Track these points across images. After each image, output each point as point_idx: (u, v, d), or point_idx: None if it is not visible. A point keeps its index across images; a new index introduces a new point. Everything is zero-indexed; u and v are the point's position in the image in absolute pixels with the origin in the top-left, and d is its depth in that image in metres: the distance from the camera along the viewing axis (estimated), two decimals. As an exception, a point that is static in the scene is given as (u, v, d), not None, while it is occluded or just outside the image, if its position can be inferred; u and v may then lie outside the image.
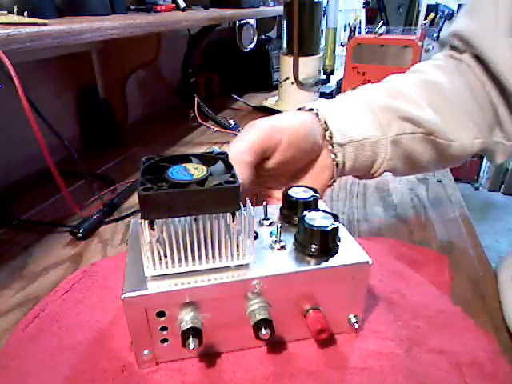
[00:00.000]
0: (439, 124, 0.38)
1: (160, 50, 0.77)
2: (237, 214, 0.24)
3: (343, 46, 1.13)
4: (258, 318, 0.26)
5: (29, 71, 0.62)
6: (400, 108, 0.37)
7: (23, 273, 0.41)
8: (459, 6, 2.49)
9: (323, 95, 1.05)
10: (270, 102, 1.02)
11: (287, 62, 0.92)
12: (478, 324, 0.32)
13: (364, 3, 1.92)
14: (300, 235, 0.28)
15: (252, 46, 1.13)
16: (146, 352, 0.27)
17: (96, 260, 0.42)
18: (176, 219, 0.24)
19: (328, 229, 0.27)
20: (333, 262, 0.27)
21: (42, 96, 0.66)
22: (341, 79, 1.05)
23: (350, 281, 0.28)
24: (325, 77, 1.00)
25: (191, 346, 0.25)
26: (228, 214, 0.25)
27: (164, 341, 0.27)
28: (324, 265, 0.27)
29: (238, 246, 0.26)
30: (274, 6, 1.19)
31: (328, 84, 1.05)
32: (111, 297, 0.35)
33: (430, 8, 2.60)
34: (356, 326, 0.29)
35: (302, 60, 0.90)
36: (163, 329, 0.26)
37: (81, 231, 0.46)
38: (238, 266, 0.26)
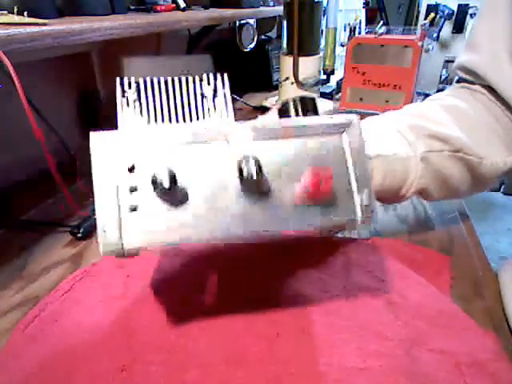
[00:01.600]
0: (466, 141, 0.38)
1: (160, 50, 0.77)
2: (211, 76, 0.26)
3: (343, 46, 1.13)
4: (247, 165, 0.22)
5: (29, 71, 0.61)
6: (426, 127, 0.37)
7: (23, 273, 0.41)
8: (459, 6, 2.49)
9: (323, 95, 1.05)
10: (270, 101, 1.02)
11: (287, 61, 0.92)
12: (478, 324, 0.32)
13: (364, 3, 1.92)
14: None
15: (252, 46, 1.13)
16: (110, 228, 0.22)
17: (96, 260, 0.42)
18: (154, 79, 0.26)
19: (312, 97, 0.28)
20: (321, 119, 0.26)
21: (42, 96, 0.66)
22: (341, 79, 1.05)
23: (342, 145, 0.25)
24: (325, 77, 1.00)
25: (166, 185, 0.21)
26: (204, 75, 0.26)
27: (133, 210, 0.22)
28: (312, 120, 0.26)
29: (215, 108, 0.26)
30: (274, 5, 1.19)
31: (328, 84, 1.05)
32: (111, 297, 0.35)
33: (430, 8, 2.59)
34: (368, 211, 0.24)
35: (302, 60, 0.90)
36: (133, 190, 0.22)
37: (81, 231, 0.46)
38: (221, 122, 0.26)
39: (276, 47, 1.18)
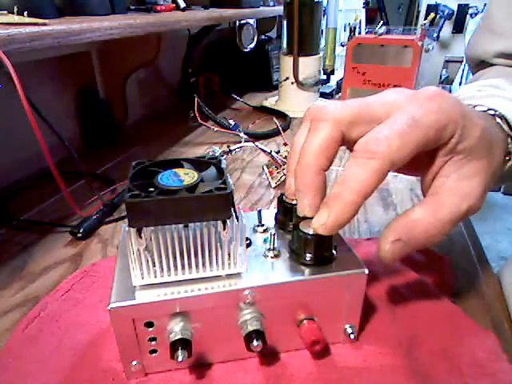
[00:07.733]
0: None
1: (160, 50, 0.77)
2: (228, 221, 0.24)
3: (343, 46, 1.13)
4: (250, 329, 0.25)
5: (29, 71, 0.62)
6: None
7: (23, 273, 0.41)
8: (459, 6, 2.49)
9: (323, 95, 1.05)
10: (270, 101, 1.02)
11: (287, 62, 0.92)
12: (478, 324, 0.32)
13: (364, 3, 1.92)
14: (294, 243, 0.27)
15: (252, 46, 1.13)
16: (134, 363, 0.26)
17: (96, 260, 0.42)
18: (165, 227, 0.23)
19: (323, 237, 0.26)
20: (328, 271, 0.26)
21: (42, 96, 0.66)
22: (341, 79, 1.05)
23: (346, 290, 0.27)
24: (325, 77, 1.00)
25: (180, 359, 0.24)
26: (219, 221, 0.24)
27: (153, 352, 0.26)
28: (319, 275, 0.26)
29: (229, 255, 0.25)
30: (274, 5, 1.19)
31: (328, 84, 1.05)
32: (111, 297, 0.35)
33: (430, 8, 2.60)
34: (352, 336, 0.28)
35: (302, 60, 0.90)
36: (152, 339, 0.26)
37: (81, 231, 0.46)
38: (230, 276, 0.25)
39: (276, 47, 1.18)
